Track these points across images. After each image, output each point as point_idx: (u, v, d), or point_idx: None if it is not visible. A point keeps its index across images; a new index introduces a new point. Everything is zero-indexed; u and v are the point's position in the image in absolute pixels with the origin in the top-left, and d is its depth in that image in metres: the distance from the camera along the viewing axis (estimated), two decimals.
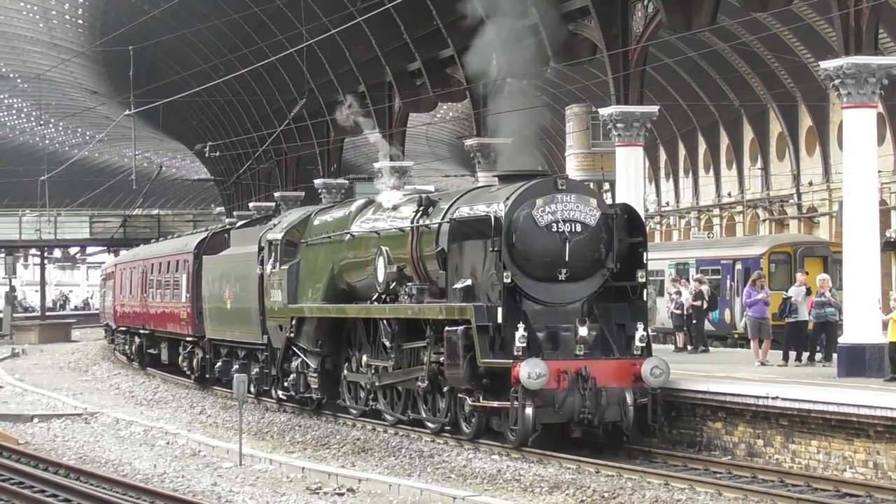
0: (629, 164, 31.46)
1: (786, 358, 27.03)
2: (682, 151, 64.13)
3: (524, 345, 21.49)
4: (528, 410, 21.35)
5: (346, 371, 27.60)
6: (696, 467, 20.54)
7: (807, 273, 29.07)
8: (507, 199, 22.46)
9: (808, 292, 27.19)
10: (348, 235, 27.18)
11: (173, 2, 48.69)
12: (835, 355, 25.43)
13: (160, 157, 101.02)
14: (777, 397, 20.85)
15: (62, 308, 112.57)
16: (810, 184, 54.15)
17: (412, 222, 24.76)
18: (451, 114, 74.82)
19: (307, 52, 42.62)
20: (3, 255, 76.49)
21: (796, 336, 27.31)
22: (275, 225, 31.14)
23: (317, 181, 52.16)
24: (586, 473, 20.21)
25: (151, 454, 23.44)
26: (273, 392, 30.87)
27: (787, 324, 27.28)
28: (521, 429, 21.51)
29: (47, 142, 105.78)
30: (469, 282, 22.55)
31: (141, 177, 68.54)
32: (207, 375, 36.02)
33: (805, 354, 27.15)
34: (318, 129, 51.44)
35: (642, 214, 26.53)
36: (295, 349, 29.02)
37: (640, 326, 22.34)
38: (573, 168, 60.30)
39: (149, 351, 43.98)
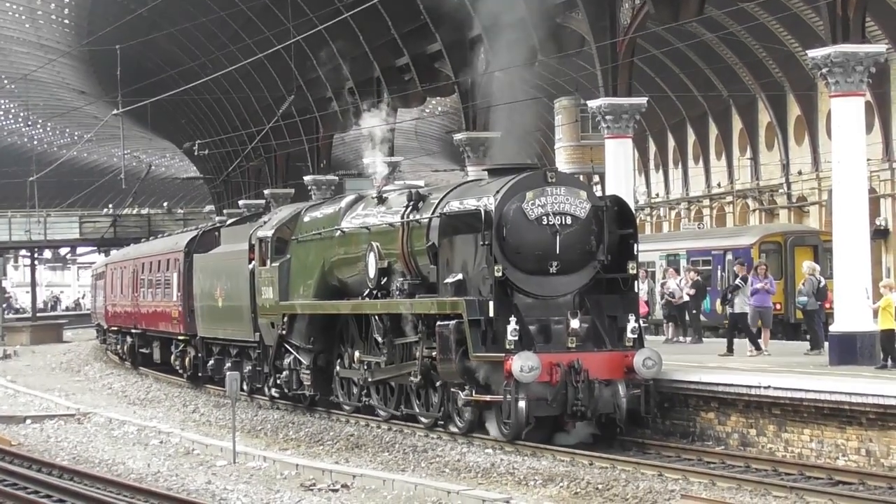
0: (618, 156, 31.45)
1: (730, 350, 27.08)
2: (671, 142, 64.09)
3: (516, 338, 21.48)
4: (521, 404, 21.35)
5: (338, 367, 27.58)
6: (690, 458, 20.57)
7: (743, 264, 29.31)
8: (497, 192, 22.44)
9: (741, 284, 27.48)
10: (339, 232, 27.15)
11: (160, 0, 48.58)
12: (826, 343, 25.53)
13: (149, 156, 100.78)
14: (769, 386, 20.88)
15: (53, 309, 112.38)
16: (800, 173, 54.15)
17: (402, 217, 24.73)
18: (439, 108, 74.77)
19: (295, 49, 42.58)
20: None
21: (734, 326, 27.68)
22: (265, 222, 31.08)
23: (306, 178, 52.15)
24: (580, 466, 20.23)
25: (145, 453, 23.42)
26: (266, 389, 30.85)
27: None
28: (515, 422, 21.51)
29: (35, 142, 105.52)
30: (460, 276, 22.53)
31: (130, 176, 68.43)
32: (200, 374, 35.99)
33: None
34: (307, 126, 51.40)
35: (632, 206, 26.54)
36: (287, 346, 28.99)
37: (632, 318, 22.33)
38: (563, 161, 60.09)
39: (141, 350, 43.92)
